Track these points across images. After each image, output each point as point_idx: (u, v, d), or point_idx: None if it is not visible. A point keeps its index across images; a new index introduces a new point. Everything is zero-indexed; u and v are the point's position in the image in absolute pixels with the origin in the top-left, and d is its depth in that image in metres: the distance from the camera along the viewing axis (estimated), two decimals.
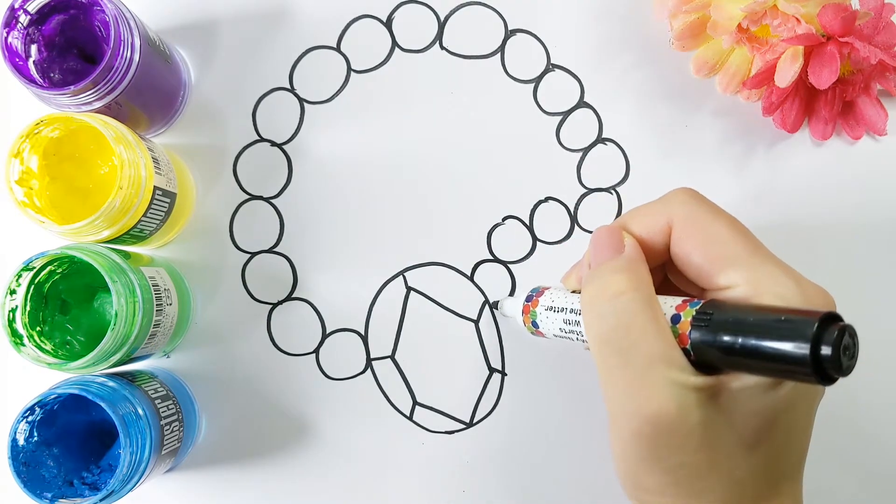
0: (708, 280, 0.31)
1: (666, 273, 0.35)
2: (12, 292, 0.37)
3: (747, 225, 0.44)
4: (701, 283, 0.32)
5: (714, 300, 0.30)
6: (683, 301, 0.30)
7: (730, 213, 0.44)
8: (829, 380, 0.25)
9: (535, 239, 0.45)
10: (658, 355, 0.29)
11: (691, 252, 0.32)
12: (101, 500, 0.36)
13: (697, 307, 0.29)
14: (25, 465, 0.36)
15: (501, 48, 0.45)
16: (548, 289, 0.38)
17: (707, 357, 0.29)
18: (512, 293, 0.44)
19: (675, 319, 0.30)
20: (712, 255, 0.31)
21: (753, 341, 0.27)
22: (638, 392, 0.29)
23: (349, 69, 0.46)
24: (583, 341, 0.35)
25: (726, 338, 0.28)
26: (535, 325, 0.38)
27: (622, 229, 0.33)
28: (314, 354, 0.44)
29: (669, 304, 0.31)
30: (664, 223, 0.33)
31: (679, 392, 0.29)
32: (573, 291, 0.36)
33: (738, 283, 0.30)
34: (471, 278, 0.45)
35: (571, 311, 0.35)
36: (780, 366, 0.26)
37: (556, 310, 0.36)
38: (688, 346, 0.29)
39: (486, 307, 0.44)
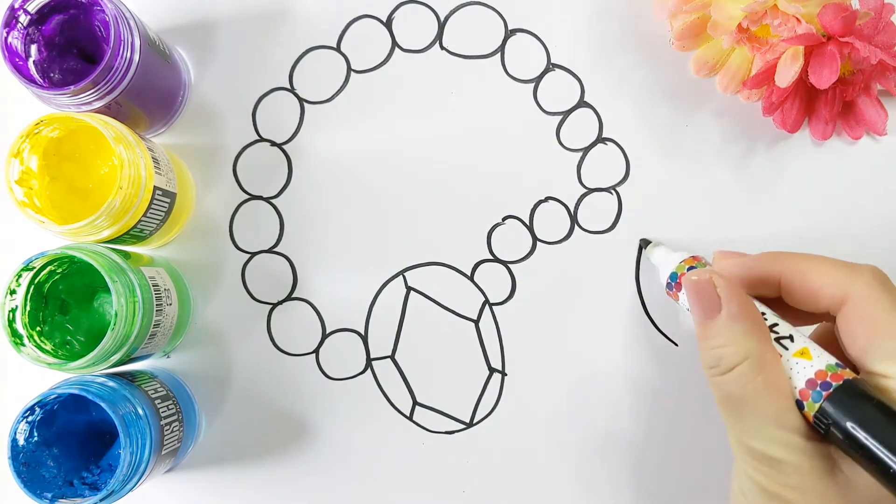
0: (862, 358, 0.31)
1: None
2: (12, 292, 0.37)
3: (747, 225, 0.44)
4: (858, 364, 0.32)
5: (859, 384, 0.30)
6: (818, 373, 0.30)
7: (729, 213, 0.44)
8: None
9: (535, 239, 0.45)
10: (771, 416, 0.30)
11: (858, 334, 0.31)
12: (101, 500, 0.36)
13: (835, 388, 0.29)
14: (25, 465, 0.36)
15: (501, 48, 0.45)
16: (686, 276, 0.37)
17: (827, 429, 0.29)
18: (512, 294, 0.44)
19: (814, 395, 0.30)
20: (880, 343, 0.31)
21: (884, 456, 0.27)
22: (753, 449, 0.31)
23: (349, 69, 0.46)
24: None
25: (859, 435, 0.28)
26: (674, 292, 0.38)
27: (776, 266, 0.34)
28: (314, 354, 0.44)
29: (805, 371, 0.30)
30: (840, 291, 0.32)
31: (789, 450, 0.30)
32: None
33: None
34: (471, 278, 0.45)
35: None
36: None
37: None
38: (809, 403, 0.30)
39: (487, 307, 0.44)
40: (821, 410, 0.29)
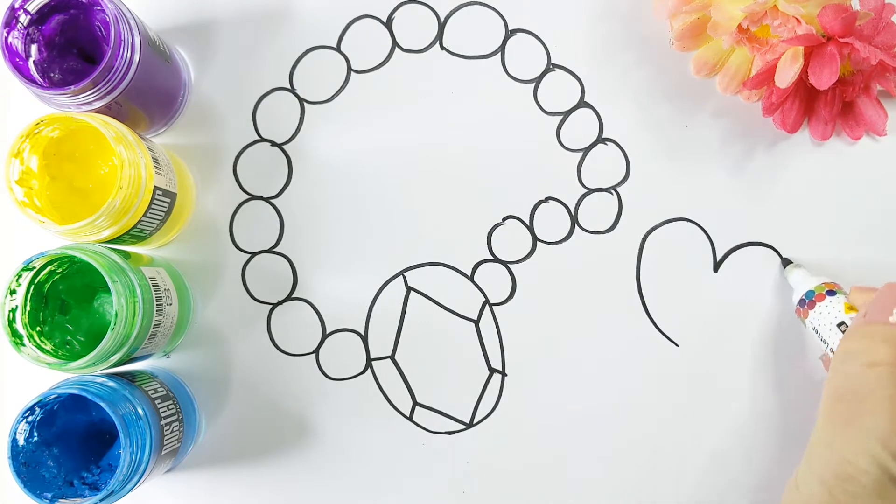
0: None
1: None
2: (12, 292, 0.37)
3: (746, 224, 0.44)
4: None
5: None
6: None
7: (729, 213, 0.44)
8: None
9: (535, 239, 0.45)
10: (878, 432, 0.30)
11: None
12: (101, 500, 0.36)
13: None
14: (25, 465, 0.36)
15: (501, 48, 0.45)
16: (823, 298, 0.38)
17: None
18: (512, 294, 0.44)
19: None
20: None
21: None
22: (842, 452, 0.31)
23: (349, 69, 0.46)
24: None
25: None
26: (803, 322, 0.39)
27: None
28: (314, 354, 0.44)
29: None
30: None
31: (877, 473, 0.30)
32: (848, 308, 0.37)
33: None
34: (471, 278, 0.45)
35: (832, 350, 0.36)
36: None
37: (821, 339, 0.37)
38: None
39: (487, 307, 0.44)
40: None
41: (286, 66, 0.45)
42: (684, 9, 0.41)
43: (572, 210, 0.45)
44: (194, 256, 0.45)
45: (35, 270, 0.37)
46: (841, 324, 0.37)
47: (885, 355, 0.31)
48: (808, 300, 0.39)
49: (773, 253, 0.44)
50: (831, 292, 0.38)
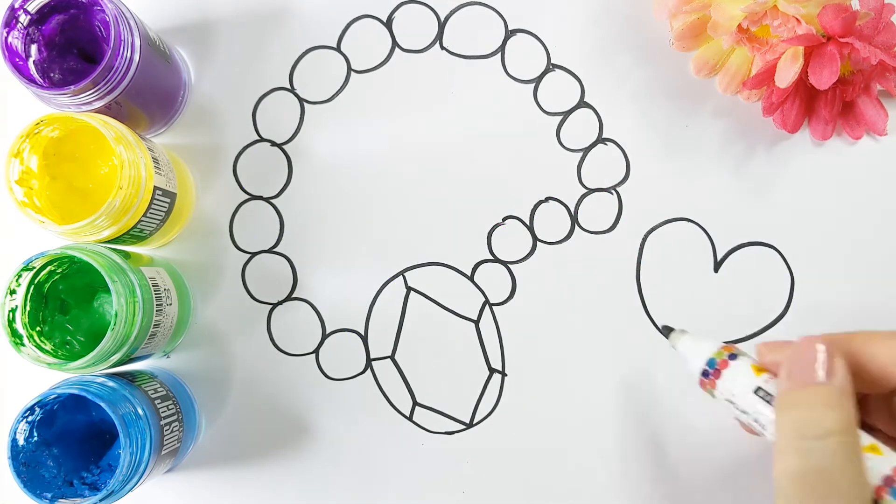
0: None
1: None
2: (12, 292, 0.37)
3: (746, 224, 0.44)
4: None
5: None
6: (895, 469, 0.28)
7: (729, 213, 0.44)
8: None
9: (535, 239, 0.45)
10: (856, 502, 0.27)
11: None
12: (100, 501, 0.36)
13: None
14: (25, 465, 0.36)
15: (501, 48, 0.45)
16: (727, 365, 0.34)
17: None
18: (512, 294, 0.44)
19: (892, 491, 0.28)
20: None
21: None
22: None
23: (349, 69, 0.46)
24: (763, 434, 0.32)
25: None
26: (712, 396, 0.35)
27: (835, 352, 0.30)
28: (314, 354, 0.44)
29: (879, 466, 0.29)
30: None
31: None
32: (758, 370, 0.33)
33: None
34: (471, 278, 0.45)
35: (756, 420, 0.32)
36: None
37: (739, 409, 0.33)
38: (889, 500, 0.28)
39: (487, 307, 0.44)
40: None
41: (286, 66, 0.45)
42: (684, 9, 0.41)
43: (572, 210, 0.45)
44: (194, 256, 0.45)
45: (35, 270, 0.37)
46: (758, 389, 0.32)
47: (833, 422, 0.29)
48: (711, 370, 0.34)
49: (774, 253, 0.44)
50: (732, 356, 0.34)
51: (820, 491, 0.28)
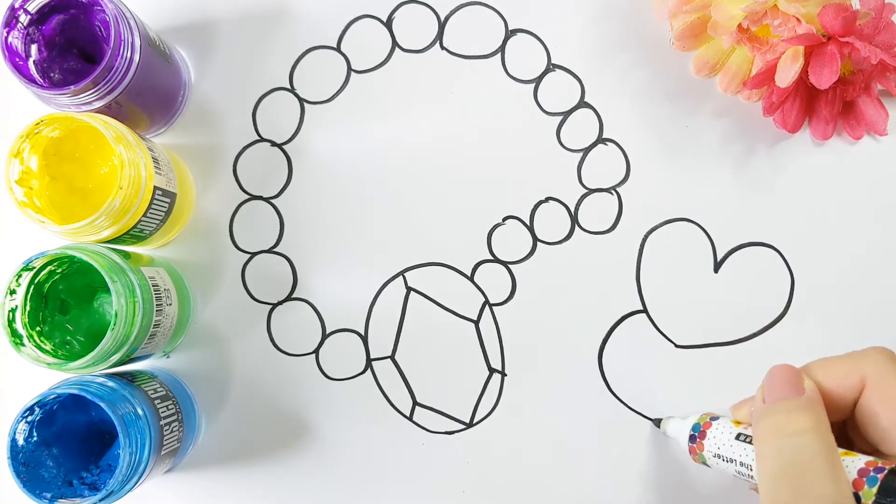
0: (886, 439, 0.31)
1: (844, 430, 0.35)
2: (12, 292, 0.37)
3: (746, 224, 0.44)
4: (884, 448, 0.32)
5: None
6: (868, 463, 0.30)
7: (729, 213, 0.44)
8: None
9: (535, 239, 0.45)
10: (829, 497, 0.29)
11: (879, 414, 0.31)
12: (100, 501, 0.36)
13: (889, 469, 0.29)
14: (25, 465, 0.36)
15: (501, 48, 0.45)
16: (710, 425, 0.37)
17: None
18: (512, 294, 0.44)
19: (869, 480, 0.30)
20: None
21: None
22: None
23: (349, 69, 0.46)
24: (752, 480, 0.35)
25: None
26: (705, 463, 0.38)
27: (803, 373, 0.33)
28: (314, 354, 0.44)
29: (854, 463, 0.30)
30: (856, 379, 0.32)
31: None
32: (737, 423, 0.36)
33: None
34: (471, 278, 0.45)
35: (742, 463, 0.35)
36: None
37: (726, 459, 0.36)
38: (866, 491, 0.29)
39: (487, 307, 0.44)
40: (881, 490, 0.29)
41: (286, 66, 0.45)
42: (684, 9, 0.41)
43: (572, 210, 0.45)
44: (194, 256, 0.45)
45: (35, 270, 0.37)
46: (738, 435, 0.35)
47: (806, 422, 0.31)
48: (697, 433, 0.38)
49: (774, 253, 0.44)
50: (714, 418, 0.38)
51: (798, 483, 0.29)
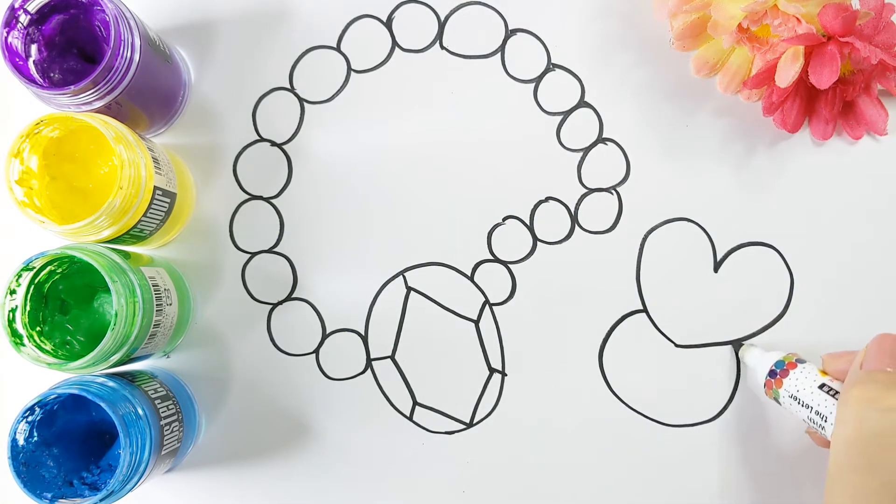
0: None
1: None
2: (12, 292, 0.37)
3: (746, 224, 0.44)
4: None
5: None
6: None
7: (729, 212, 0.44)
8: None
9: (535, 239, 0.45)
10: None
11: None
12: (100, 500, 0.36)
13: None
14: (25, 465, 0.36)
15: (501, 48, 0.45)
16: (795, 366, 0.38)
17: None
18: (512, 294, 0.44)
19: None
20: None
21: None
22: (867, 502, 0.30)
23: (349, 69, 0.46)
24: (822, 431, 0.35)
25: None
26: (776, 399, 0.38)
27: None
28: (314, 354, 0.44)
29: None
30: None
31: None
32: (823, 373, 0.37)
33: None
34: (471, 278, 0.45)
35: (818, 413, 0.35)
36: None
37: (803, 404, 0.36)
38: None
39: (487, 307, 0.44)
40: None
41: (286, 66, 0.45)
42: (684, 8, 0.41)
43: (572, 210, 0.45)
44: (194, 256, 0.45)
45: (35, 270, 0.37)
46: (822, 385, 0.36)
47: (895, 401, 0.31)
48: (780, 370, 0.38)
49: (774, 252, 0.44)
50: (800, 360, 0.38)
51: (875, 455, 0.30)
